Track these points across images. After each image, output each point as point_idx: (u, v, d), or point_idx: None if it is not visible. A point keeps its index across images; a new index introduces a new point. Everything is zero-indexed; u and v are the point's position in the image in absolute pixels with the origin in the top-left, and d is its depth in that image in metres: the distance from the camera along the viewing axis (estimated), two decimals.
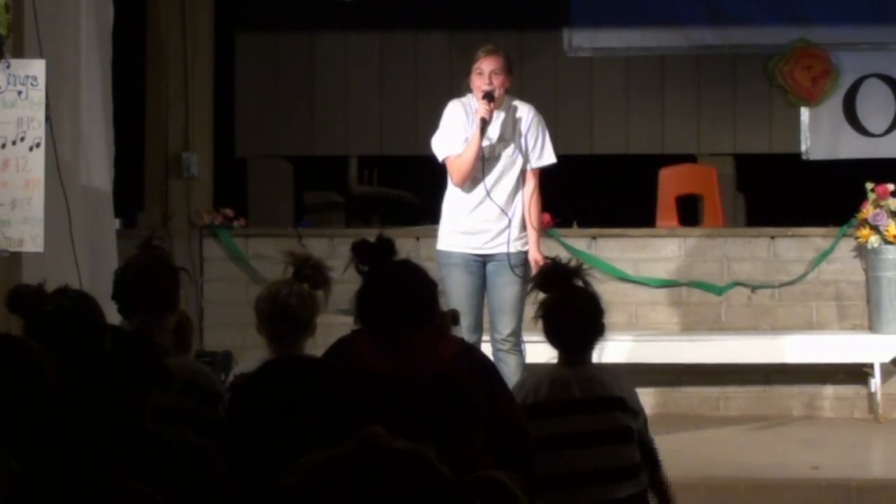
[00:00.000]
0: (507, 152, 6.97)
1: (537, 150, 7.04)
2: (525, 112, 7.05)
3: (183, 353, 4.50)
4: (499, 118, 7.01)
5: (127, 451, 2.66)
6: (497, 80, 6.97)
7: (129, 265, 4.51)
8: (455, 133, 6.94)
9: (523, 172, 7.02)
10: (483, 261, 6.92)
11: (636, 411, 4.35)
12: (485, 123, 6.82)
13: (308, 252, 4.76)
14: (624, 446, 4.30)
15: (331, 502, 1.71)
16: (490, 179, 6.90)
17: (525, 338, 6.86)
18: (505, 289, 6.89)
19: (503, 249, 6.89)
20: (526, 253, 6.94)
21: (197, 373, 4.16)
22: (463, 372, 3.88)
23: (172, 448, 3.13)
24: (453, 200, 6.96)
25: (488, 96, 6.86)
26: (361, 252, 3.97)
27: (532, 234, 6.95)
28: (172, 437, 3.22)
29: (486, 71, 6.98)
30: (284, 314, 4.50)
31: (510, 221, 6.90)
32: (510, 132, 7.00)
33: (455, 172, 6.92)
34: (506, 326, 6.87)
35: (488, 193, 6.87)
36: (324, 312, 4.64)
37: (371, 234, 4.17)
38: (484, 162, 6.89)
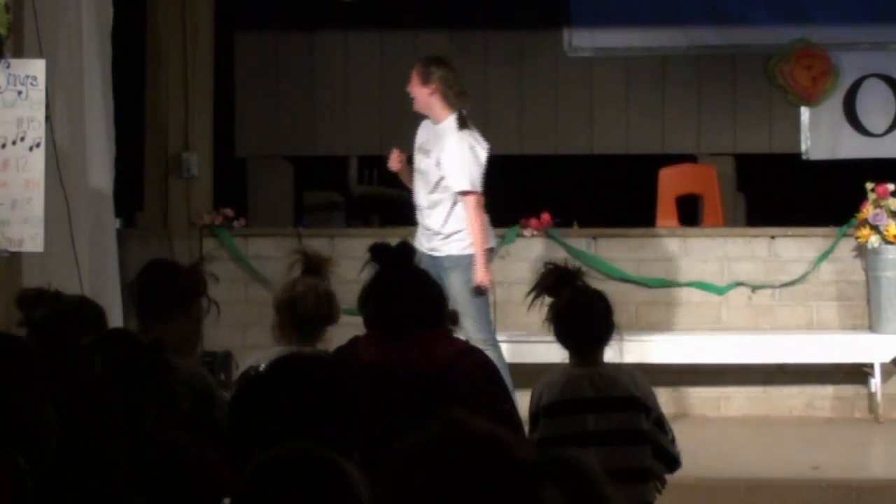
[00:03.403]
0: (427, 165, 7.31)
1: (448, 180, 7.30)
2: (445, 140, 7.30)
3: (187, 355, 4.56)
4: (431, 132, 7.36)
5: (123, 463, 2.65)
6: (412, 89, 7.33)
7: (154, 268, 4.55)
8: None
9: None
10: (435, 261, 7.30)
11: (649, 408, 4.34)
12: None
13: (304, 246, 4.85)
14: (637, 448, 4.29)
15: (413, 484, 1.81)
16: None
17: (531, 338, 6.97)
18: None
19: (441, 252, 7.33)
20: (460, 257, 7.27)
21: (192, 375, 4.16)
22: (462, 372, 3.88)
23: (171, 450, 3.13)
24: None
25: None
26: (379, 255, 3.96)
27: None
28: (171, 439, 3.22)
29: None
30: (329, 307, 4.66)
31: (440, 225, 7.34)
32: (434, 150, 7.29)
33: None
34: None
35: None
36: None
37: (373, 235, 4.20)
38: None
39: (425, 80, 7.28)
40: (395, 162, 7.44)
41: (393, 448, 1.83)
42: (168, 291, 4.27)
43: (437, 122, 7.30)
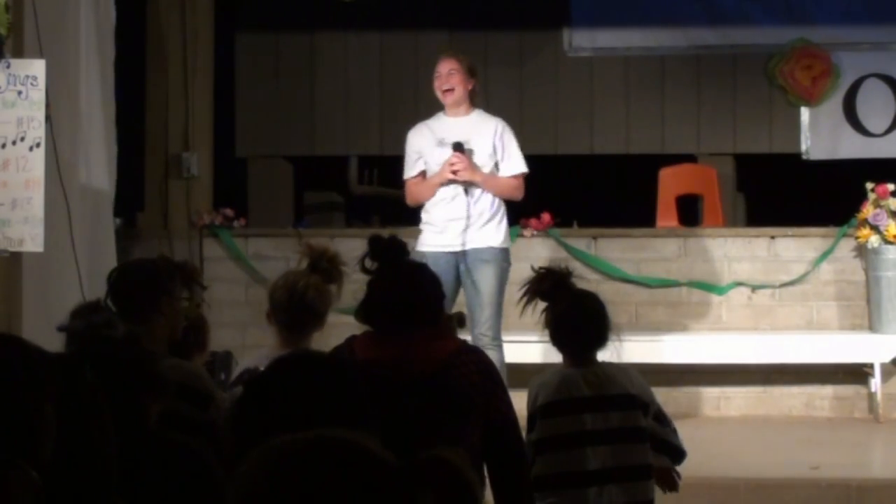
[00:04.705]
0: (475, 157, 7.13)
1: (505, 159, 7.19)
2: (493, 122, 7.22)
3: (197, 354, 4.57)
4: (464, 123, 7.17)
5: (114, 469, 2.65)
6: (454, 79, 7.08)
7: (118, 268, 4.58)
8: (411, 159, 7.25)
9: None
10: (456, 257, 7.09)
11: (647, 404, 4.33)
12: (453, 176, 7.07)
13: (325, 245, 4.82)
14: (636, 446, 4.28)
15: (279, 489, 1.75)
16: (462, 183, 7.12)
17: (517, 338, 6.94)
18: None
19: (477, 244, 7.07)
20: (499, 250, 7.08)
21: (189, 375, 4.16)
22: (459, 371, 3.86)
23: (171, 450, 3.13)
24: (432, 202, 7.19)
25: (459, 147, 7.05)
26: (376, 246, 3.96)
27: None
28: (174, 438, 3.22)
29: (442, 73, 7.21)
30: (301, 304, 4.56)
31: (480, 216, 7.08)
32: (476, 137, 7.14)
33: (409, 196, 7.29)
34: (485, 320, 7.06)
35: (466, 192, 7.09)
36: (335, 306, 4.69)
37: (373, 234, 4.17)
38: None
39: (473, 74, 7.24)
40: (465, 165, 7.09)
41: (259, 448, 1.81)
42: (134, 292, 4.28)
43: (462, 114, 7.17)
